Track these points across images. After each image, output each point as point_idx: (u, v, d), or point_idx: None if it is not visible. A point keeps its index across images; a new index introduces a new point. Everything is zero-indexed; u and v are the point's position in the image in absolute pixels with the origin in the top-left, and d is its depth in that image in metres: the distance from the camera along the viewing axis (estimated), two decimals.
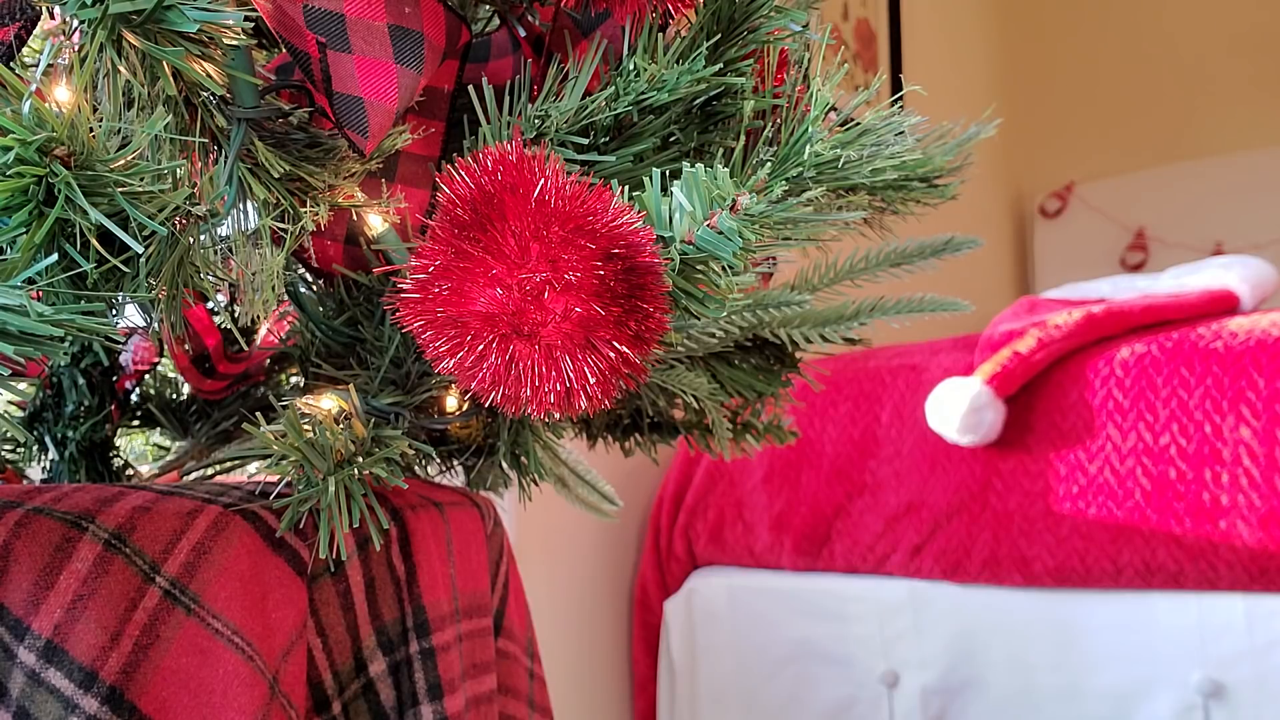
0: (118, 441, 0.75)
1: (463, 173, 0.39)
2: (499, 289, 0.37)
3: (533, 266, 0.37)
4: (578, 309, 0.37)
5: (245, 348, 0.71)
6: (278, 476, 0.48)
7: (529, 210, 0.37)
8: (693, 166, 0.41)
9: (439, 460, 0.68)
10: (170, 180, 0.39)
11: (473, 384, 0.39)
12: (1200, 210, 3.03)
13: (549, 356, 0.38)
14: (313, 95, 0.47)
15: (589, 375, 0.38)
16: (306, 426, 0.48)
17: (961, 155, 0.67)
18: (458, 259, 0.38)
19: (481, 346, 0.38)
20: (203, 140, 0.43)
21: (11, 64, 0.41)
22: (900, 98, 1.68)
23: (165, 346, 0.71)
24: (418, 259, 0.40)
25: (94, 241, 0.34)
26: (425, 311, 0.39)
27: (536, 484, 0.68)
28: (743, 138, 0.51)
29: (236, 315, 0.67)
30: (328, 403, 0.50)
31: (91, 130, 0.34)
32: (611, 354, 0.38)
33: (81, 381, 0.71)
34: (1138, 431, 1.25)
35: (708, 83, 0.50)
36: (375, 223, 0.50)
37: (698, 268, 0.42)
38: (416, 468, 0.69)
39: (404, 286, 0.40)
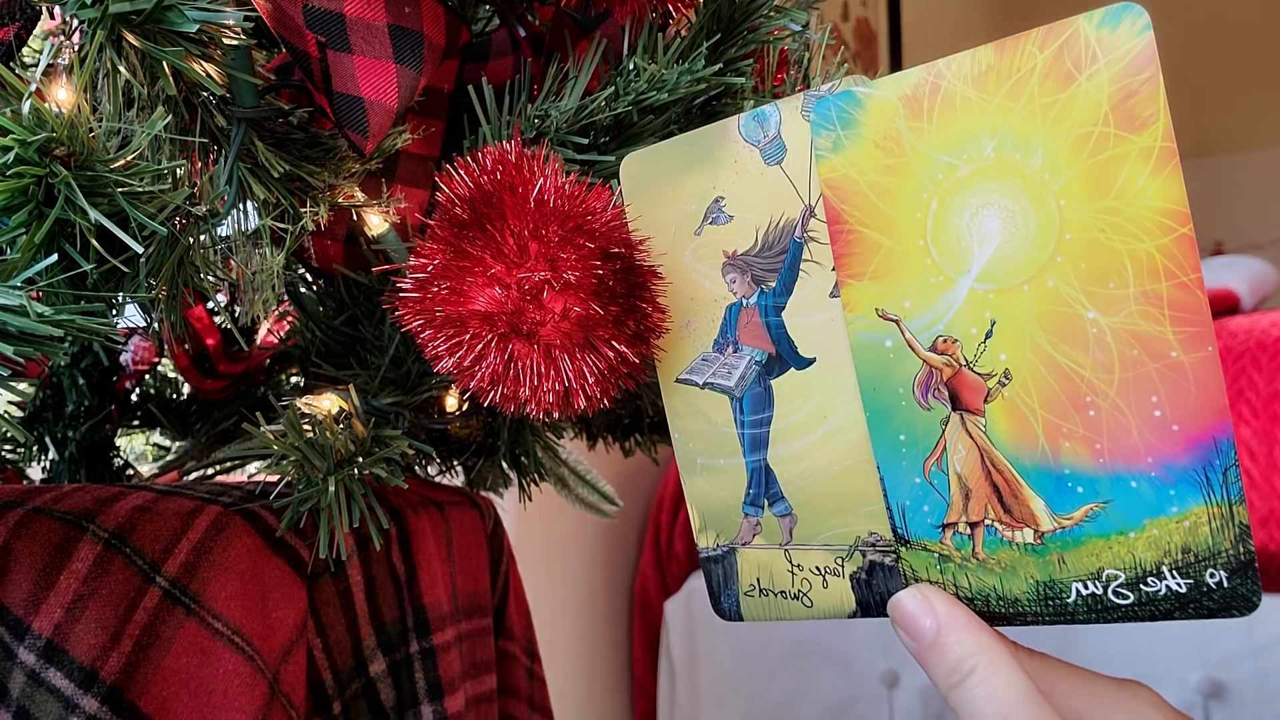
0: (118, 441, 0.75)
1: (462, 172, 0.39)
2: (498, 288, 0.37)
3: (531, 266, 0.37)
4: (576, 308, 0.37)
5: (245, 348, 0.71)
6: (278, 476, 0.48)
7: (528, 210, 0.37)
8: None
9: (439, 460, 0.68)
10: (170, 180, 0.39)
11: (472, 384, 0.39)
12: (1200, 210, 3.03)
13: (548, 356, 0.38)
14: (313, 95, 0.47)
15: (588, 375, 0.38)
16: (306, 426, 0.48)
17: None
18: (457, 258, 0.38)
19: (480, 346, 0.38)
20: (203, 140, 0.43)
21: (11, 64, 0.41)
22: None
23: (165, 346, 0.71)
24: (417, 258, 0.40)
25: (94, 241, 0.34)
26: (424, 311, 0.39)
27: (536, 484, 0.68)
28: None
29: (236, 315, 0.67)
30: (328, 403, 0.50)
31: (91, 130, 0.34)
32: (611, 354, 0.38)
33: (81, 381, 0.71)
34: None
35: (708, 83, 0.50)
36: (375, 223, 0.50)
37: None
38: (416, 468, 0.69)
39: (403, 286, 0.40)
